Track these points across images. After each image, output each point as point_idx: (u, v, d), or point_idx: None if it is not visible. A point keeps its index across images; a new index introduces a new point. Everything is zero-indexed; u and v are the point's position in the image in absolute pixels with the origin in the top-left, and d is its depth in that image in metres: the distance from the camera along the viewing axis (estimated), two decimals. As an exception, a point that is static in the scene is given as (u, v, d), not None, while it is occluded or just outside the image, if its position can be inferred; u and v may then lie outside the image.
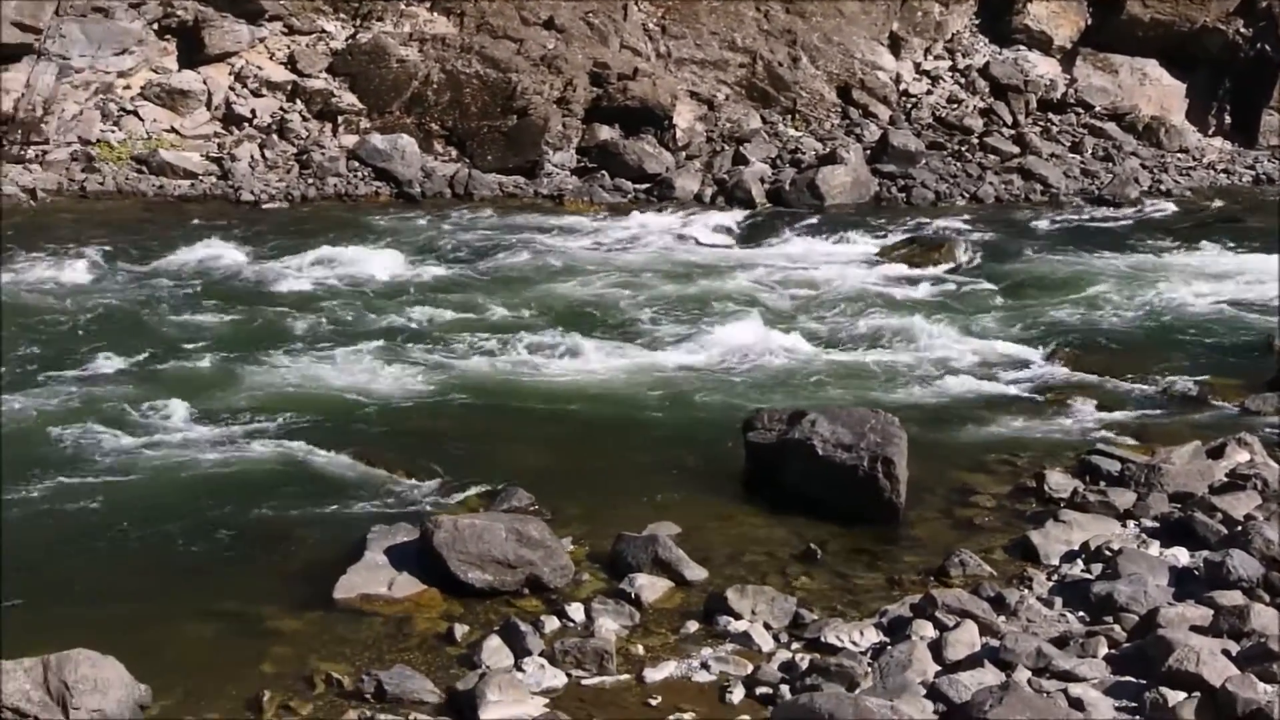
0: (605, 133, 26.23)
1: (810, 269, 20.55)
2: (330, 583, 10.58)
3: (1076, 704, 8.61)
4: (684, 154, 26.33)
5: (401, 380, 15.36)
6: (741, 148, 26.48)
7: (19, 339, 16.46)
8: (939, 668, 9.31)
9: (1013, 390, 15.46)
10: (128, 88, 26.04)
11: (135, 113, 25.80)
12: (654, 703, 9.18)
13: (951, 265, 20.79)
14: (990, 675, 8.96)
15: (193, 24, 26.45)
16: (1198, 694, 8.52)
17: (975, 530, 11.88)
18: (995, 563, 11.12)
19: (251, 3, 26.78)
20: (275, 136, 25.99)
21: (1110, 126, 28.40)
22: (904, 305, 18.66)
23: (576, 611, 10.24)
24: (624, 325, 17.73)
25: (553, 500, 12.11)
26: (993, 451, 13.54)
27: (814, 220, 23.63)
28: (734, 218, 23.89)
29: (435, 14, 27.75)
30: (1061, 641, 9.51)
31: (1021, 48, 29.78)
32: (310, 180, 25.00)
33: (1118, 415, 14.61)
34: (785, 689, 9.17)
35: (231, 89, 26.48)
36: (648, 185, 25.39)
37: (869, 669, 9.26)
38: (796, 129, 27.54)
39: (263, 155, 25.61)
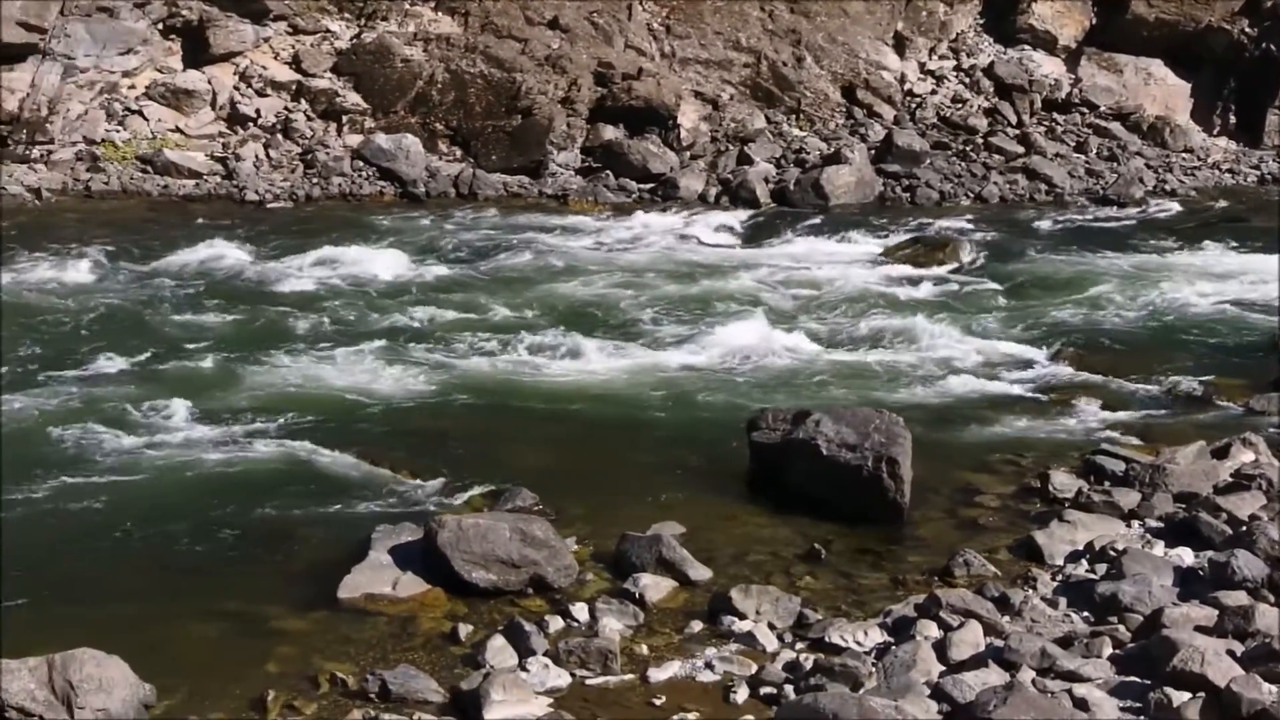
0: (610, 132, 26.23)
1: (814, 269, 20.54)
2: (334, 582, 10.58)
3: (1081, 704, 8.61)
4: (688, 154, 26.33)
5: (405, 380, 15.36)
6: (746, 148, 26.48)
7: (22, 338, 16.46)
8: (943, 668, 9.31)
9: (1017, 390, 15.45)
10: (132, 87, 26.05)
11: (140, 112, 25.81)
12: (658, 703, 9.18)
13: (955, 265, 20.79)
14: (995, 675, 8.96)
15: (197, 24, 26.46)
16: (1202, 694, 8.51)
17: (980, 530, 11.88)
18: (1000, 563, 11.12)
19: (256, 2, 26.78)
20: (280, 136, 26.00)
21: (1115, 126, 28.38)
22: (908, 305, 18.65)
23: (580, 611, 10.24)
24: (627, 325, 17.73)
25: (557, 500, 12.11)
26: (997, 451, 13.53)
27: (818, 220, 23.63)
28: (738, 217, 23.90)
29: (440, 14, 27.76)
30: (1066, 642, 9.50)
31: (1026, 47, 29.76)
32: (315, 180, 25.02)
33: (1122, 415, 14.60)
34: (789, 689, 9.16)
35: (236, 89, 26.50)
36: (652, 185, 25.39)
37: (873, 669, 9.26)
38: (801, 129, 27.52)
39: (267, 155, 25.63)
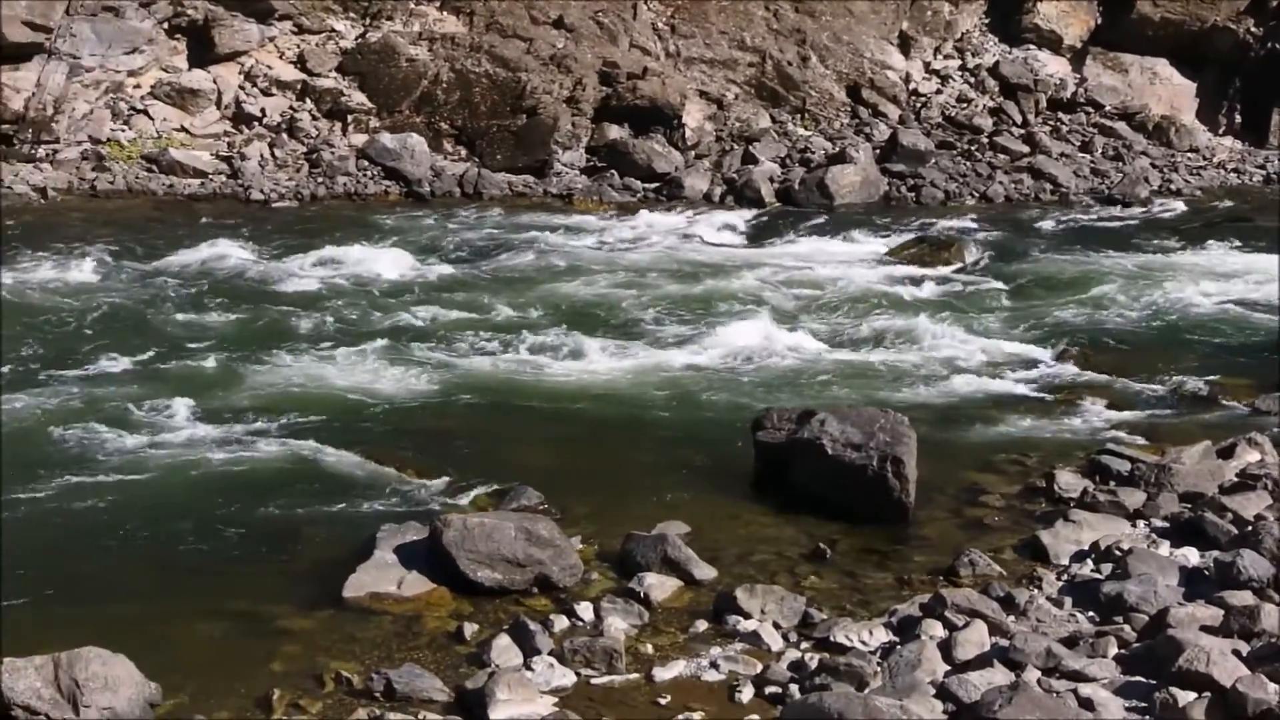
0: (614, 132, 26.23)
1: (818, 268, 20.53)
2: (339, 581, 10.58)
3: (1086, 704, 8.60)
4: (693, 153, 26.33)
5: (409, 379, 15.36)
6: (751, 147, 26.48)
7: (25, 337, 16.47)
8: (948, 667, 9.30)
9: (1022, 390, 15.44)
10: (138, 87, 26.08)
11: (145, 112, 25.84)
12: (663, 702, 9.17)
13: (960, 265, 20.77)
14: (1000, 675, 8.95)
15: (203, 23, 26.48)
16: (1208, 694, 8.51)
17: (985, 530, 11.87)
18: (1005, 562, 11.11)
19: (261, 2, 26.80)
20: (285, 135, 26.02)
21: (1120, 126, 28.37)
22: (912, 305, 18.63)
23: (586, 610, 10.24)
24: (631, 325, 17.72)
25: (562, 499, 12.11)
26: (1002, 451, 13.52)
27: (822, 220, 23.64)
28: (742, 217, 23.90)
29: (445, 13, 27.77)
30: (1071, 641, 9.49)
31: (1031, 47, 29.75)
32: (320, 179, 25.04)
33: (1127, 415, 14.59)
34: (794, 688, 9.16)
35: (241, 88, 26.51)
36: (657, 184, 25.40)
37: (878, 669, 9.25)
38: (806, 128, 27.52)
39: (272, 154, 25.64)
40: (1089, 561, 11.08)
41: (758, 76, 28.08)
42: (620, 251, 21.58)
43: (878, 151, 26.43)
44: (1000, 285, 19.73)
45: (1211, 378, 15.66)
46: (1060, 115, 28.63)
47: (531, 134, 26.11)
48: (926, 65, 29.39)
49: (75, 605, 10.38)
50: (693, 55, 28.06)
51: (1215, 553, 10.90)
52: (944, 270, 20.43)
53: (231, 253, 20.59)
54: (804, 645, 9.85)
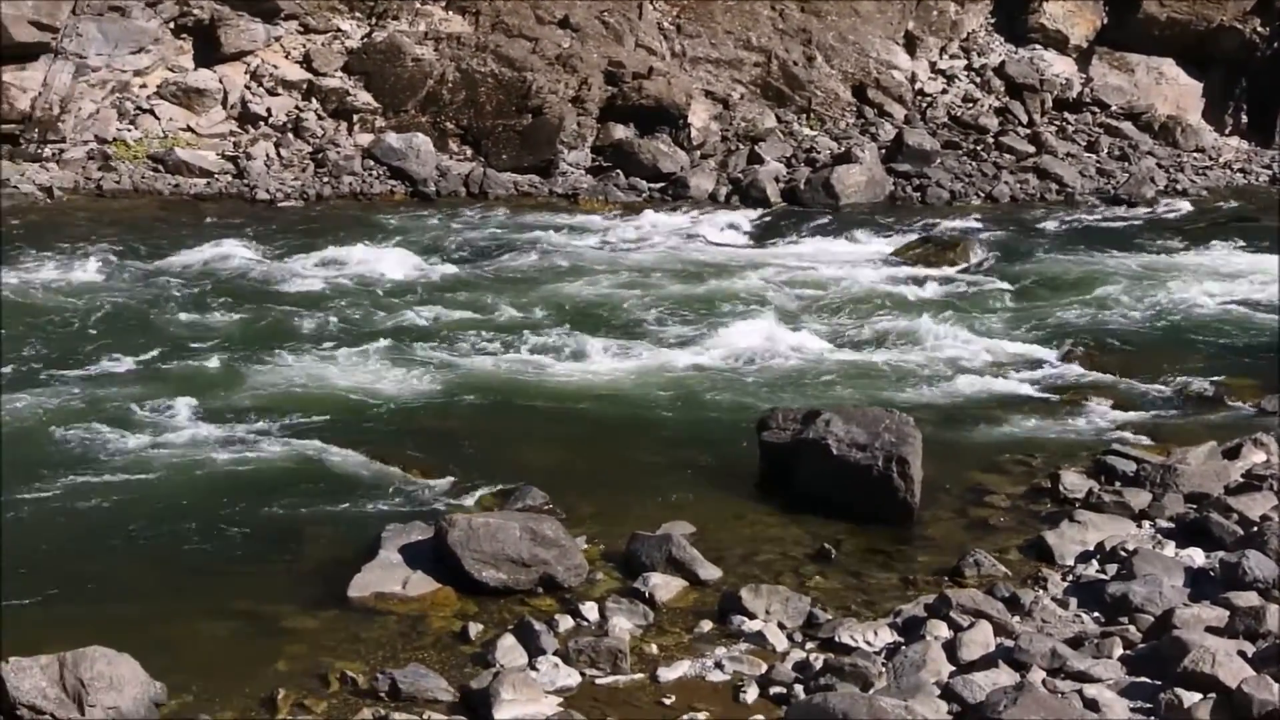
0: (620, 132, 26.24)
1: (823, 268, 20.52)
2: (344, 581, 10.58)
3: (1091, 705, 8.59)
4: (699, 153, 26.33)
5: (413, 379, 15.35)
6: (756, 147, 26.48)
7: (28, 337, 16.47)
8: (953, 668, 9.29)
9: (1027, 390, 15.43)
10: (144, 86, 26.11)
11: (151, 111, 25.87)
12: (668, 702, 9.17)
13: (965, 265, 20.76)
14: (1005, 676, 8.94)
15: (209, 23, 26.51)
16: (1213, 695, 8.49)
17: (990, 530, 11.86)
18: (1010, 563, 11.09)
19: (267, 2, 26.83)
20: (291, 135, 26.04)
21: (1126, 126, 28.35)
22: (917, 305, 18.62)
23: (591, 610, 10.23)
24: (636, 324, 17.72)
25: (567, 499, 12.11)
26: (1007, 451, 13.51)
27: (828, 219, 23.63)
28: (747, 217, 23.90)
29: (450, 13, 27.78)
30: (1076, 642, 9.49)
31: (1037, 47, 29.74)
32: (325, 179, 25.05)
33: (1133, 415, 14.58)
34: (799, 689, 9.15)
35: (247, 88, 26.53)
36: (662, 184, 25.40)
37: (883, 669, 9.24)
38: (811, 128, 27.52)
39: (278, 154, 25.66)
40: (1094, 562, 11.08)
41: (763, 76, 28.08)
42: (625, 251, 21.58)
43: (883, 151, 26.42)
44: (1005, 285, 19.71)
45: (1217, 378, 15.65)
46: (1066, 115, 28.61)
47: (537, 134, 26.12)
48: (932, 65, 29.38)
49: (80, 605, 10.38)
50: (698, 55, 28.06)
51: (1221, 553, 10.89)
52: (949, 270, 20.42)
53: (236, 252, 20.60)
54: (809, 645, 9.84)
